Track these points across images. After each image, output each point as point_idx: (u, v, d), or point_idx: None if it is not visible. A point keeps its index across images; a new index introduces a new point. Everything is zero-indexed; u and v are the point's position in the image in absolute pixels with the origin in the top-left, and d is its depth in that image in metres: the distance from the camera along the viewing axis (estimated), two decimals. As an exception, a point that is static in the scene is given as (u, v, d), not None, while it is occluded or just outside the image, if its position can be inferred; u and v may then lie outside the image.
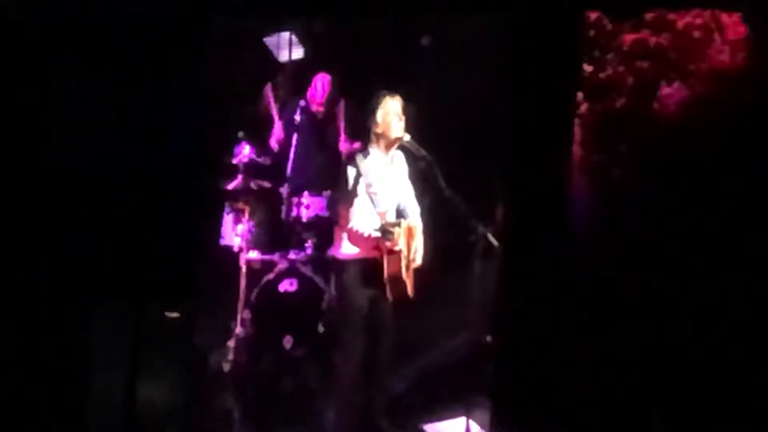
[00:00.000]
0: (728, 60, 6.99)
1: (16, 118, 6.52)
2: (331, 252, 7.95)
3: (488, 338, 8.06)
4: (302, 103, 8.95)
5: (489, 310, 8.00)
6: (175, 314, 6.48)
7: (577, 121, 6.97)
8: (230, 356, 8.58)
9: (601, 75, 7.03)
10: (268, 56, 9.45)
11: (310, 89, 9.23)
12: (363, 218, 7.59)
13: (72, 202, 6.51)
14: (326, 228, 8.61)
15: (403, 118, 7.67)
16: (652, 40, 7.02)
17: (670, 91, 7.01)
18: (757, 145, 6.89)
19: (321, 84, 9.16)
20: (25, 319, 6.41)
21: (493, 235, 7.86)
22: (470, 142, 8.99)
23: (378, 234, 7.52)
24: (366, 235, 7.54)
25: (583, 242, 6.95)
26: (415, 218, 7.84)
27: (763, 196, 6.87)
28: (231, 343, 8.61)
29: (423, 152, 7.81)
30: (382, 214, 7.59)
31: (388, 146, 7.73)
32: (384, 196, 7.66)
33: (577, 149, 6.98)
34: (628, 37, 7.04)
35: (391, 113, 7.63)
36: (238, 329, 8.62)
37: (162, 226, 6.55)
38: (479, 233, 7.94)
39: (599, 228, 7.00)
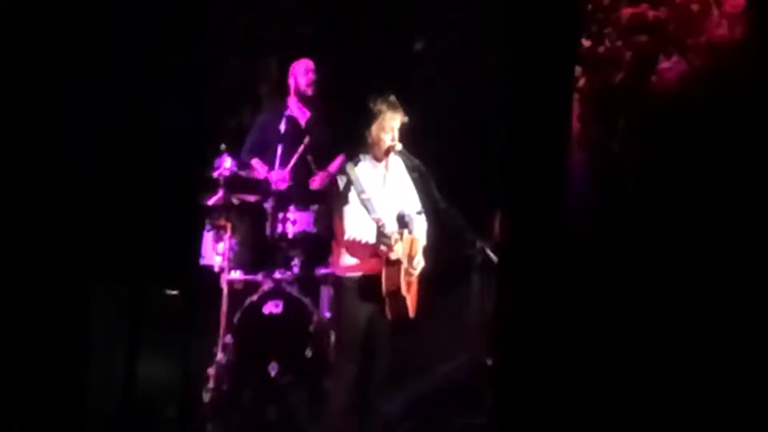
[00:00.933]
0: (727, 33, 6.80)
1: (12, 101, 6.35)
2: (330, 269, 7.62)
3: (488, 361, 7.69)
4: (287, 112, 8.69)
5: (488, 329, 7.67)
6: (175, 292, 6.26)
7: (575, 95, 6.76)
8: (211, 384, 8.13)
9: (600, 49, 6.79)
10: (253, 64, 9.31)
11: (293, 79, 8.96)
12: (359, 227, 7.27)
13: (68, 184, 6.32)
14: (314, 244, 8.28)
15: (397, 135, 7.47)
16: (650, 14, 6.81)
17: (669, 65, 6.81)
18: (756, 119, 6.68)
19: (303, 68, 8.90)
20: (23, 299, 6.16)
21: (492, 250, 7.59)
22: (466, 144, 8.79)
23: (374, 241, 7.24)
24: (363, 242, 7.25)
25: (583, 217, 6.70)
26: (420, 233, 7.49)
27: (763, 169, 6.66)
28: (211, 371, 8.17)
29: (416, 161, 7.54)
30: (377, 220, 7.30)
31: (380, 154, 7.48)
32: (379, 202, 7.38)
33: (575, 124, 6.76)
34: (627, 11, 6.83)
35: (387, 128, 7.39)
36: (220, 355, 8.16)
37: (161, 207, 6.34)
38: (477, 247, 7.67)
39: (598, 202, 6.73)
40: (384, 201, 7.40)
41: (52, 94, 6.42)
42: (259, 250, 8.42)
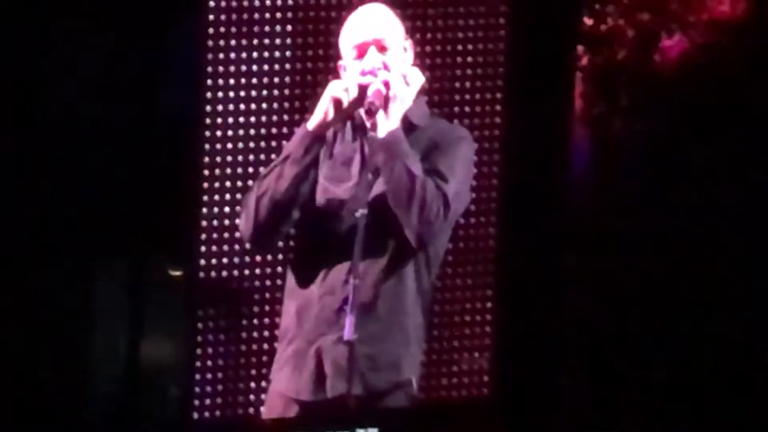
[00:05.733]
0: (729, 10, 6.88)
1: (13, 68, 6.24)
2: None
3: None
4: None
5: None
6: (178, 272, 6.19)
7: (578, 74, 6.79)
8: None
9: (602, 27, 6.88)
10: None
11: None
12: None
13: (68, 156, 6.23)
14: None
15: None
16: (652, -9, 6.91)
17: (671, 43, 6.89)
18: (758, 96, 6.79)
19: None
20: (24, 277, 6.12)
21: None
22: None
23: None
24: None
25: (585, 195, 6.76)
26: None
27: (765, 145, 6.78)
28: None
29: None
30: None
31: None
32: None
33: (578, 102, 6.80)
34: (628, -11, 6.93)
35: None
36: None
37: (161, 183, 6.26)
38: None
39: (601, 180, 6.86)
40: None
41: (50, 71, 6.32)
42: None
